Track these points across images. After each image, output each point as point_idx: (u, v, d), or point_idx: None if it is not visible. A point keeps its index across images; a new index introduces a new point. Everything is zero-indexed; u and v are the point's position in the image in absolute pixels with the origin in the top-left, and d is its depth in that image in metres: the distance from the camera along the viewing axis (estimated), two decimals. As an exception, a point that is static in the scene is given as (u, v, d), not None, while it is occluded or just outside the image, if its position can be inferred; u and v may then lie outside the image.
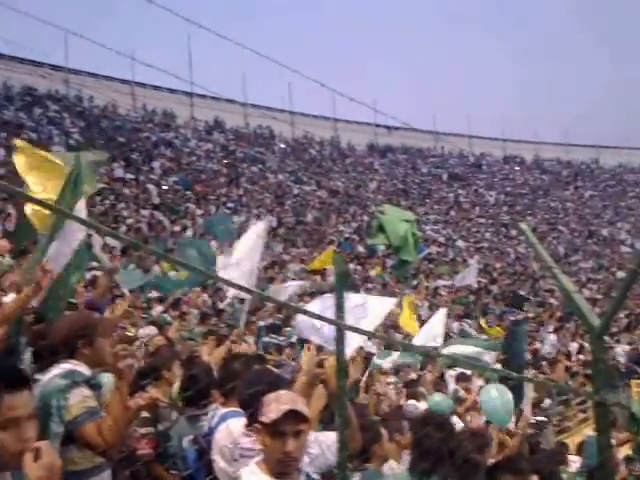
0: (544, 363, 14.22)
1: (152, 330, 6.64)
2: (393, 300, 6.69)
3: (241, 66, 31.97)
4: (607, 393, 2.90)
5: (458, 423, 6.63)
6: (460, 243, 25.89)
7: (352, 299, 5.53)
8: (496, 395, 5.19)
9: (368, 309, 5.34)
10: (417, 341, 7.97)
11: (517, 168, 41.68)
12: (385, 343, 9.39)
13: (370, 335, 5.97)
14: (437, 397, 6.22)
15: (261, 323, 12.80)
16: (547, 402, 11.10)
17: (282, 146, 31.49)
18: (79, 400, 2.68)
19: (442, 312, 8.64)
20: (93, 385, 2.86)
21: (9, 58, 25.39)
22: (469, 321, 16.21)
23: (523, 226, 3.65)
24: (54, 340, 3.04)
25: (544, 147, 45.70)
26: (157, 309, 9.70)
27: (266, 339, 10.41)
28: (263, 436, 2.28)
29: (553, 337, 16.63)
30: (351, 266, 17.93)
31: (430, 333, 8.05)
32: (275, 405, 2.27)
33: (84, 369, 2.88)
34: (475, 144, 42.70)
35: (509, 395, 5.20)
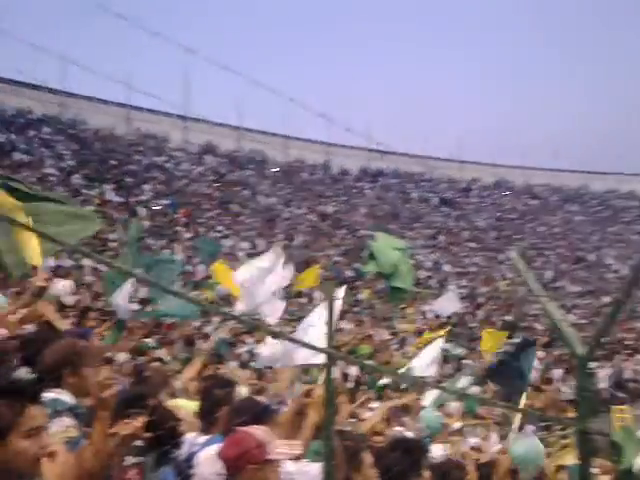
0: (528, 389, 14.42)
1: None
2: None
3: (236, 91, 32.46)
4: (590, 421, 3.06)
5: (440, 450, 6.83)
6: (447, 268, 26.13)
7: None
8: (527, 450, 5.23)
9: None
10: (414, 367, 8.21)
11: (507, 193, 42.13)
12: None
13: (358, 364, 6.14)
14: (428, 412, 6.31)
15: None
16: (529, 428, 11.27)
17: (274, 170, 31.83)
18: (60, 430, 2.65)
19: (439, 342, 8.91)
20: (77, 414, 2.85)
21: (5, 81, 25.73)
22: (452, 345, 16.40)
23: (513, 254, 3.79)
24: (40, 368, 3.02)
25: (534, 172, 46.24)
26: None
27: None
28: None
29: (537, 363, 16.78)
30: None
31: (425, 361, 8.33)
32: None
33: (68, 397, 2.87)
34: (465, 169, 43.19)
35: (540, 448, 5.33)
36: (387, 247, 7.56)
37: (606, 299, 25.84)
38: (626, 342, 21.72)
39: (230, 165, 29.75)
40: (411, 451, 3.30)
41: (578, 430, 3.06)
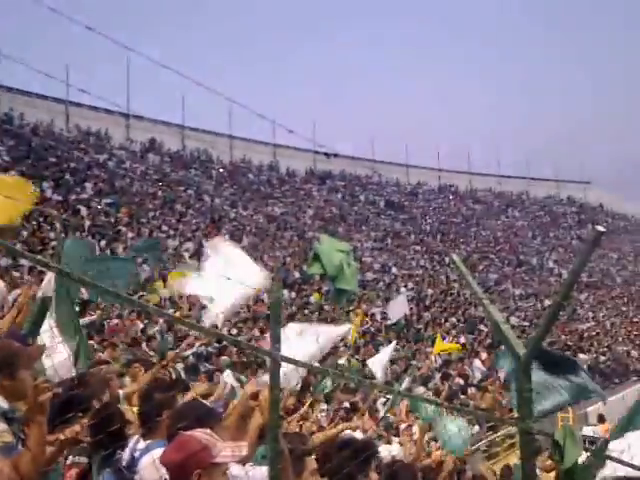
0: (473, 390, 14.52)
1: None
2: (344, 328, 6.80)
3: (180, 90, 31.80)
4: (532, 421, 2.93)
5: (391, 451, 6.70)
6: (394, 270, 26.23)
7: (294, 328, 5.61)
8: (455, 429, 5.51)
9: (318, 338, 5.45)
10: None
11: (451, 197, 42.82)
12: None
13: (307, 367, 5.98)
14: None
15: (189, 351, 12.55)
16: (475, 428, 11.28)
17: (220, 169, 31.30)
18: None
19: (392, 345, 9.03)
20: (11, 418, 2.69)
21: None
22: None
23: (454, 257, 3.69)
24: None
25: (477, 178, 47.22)
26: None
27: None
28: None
29: (479, 364, 16.97)
30: (286, 292, 17.86)
31: (380, 363, 8.42)
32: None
33: (1, 401, 2.72)
34: (411, 173, 43.69)
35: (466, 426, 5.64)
36: (331, 249, 7.45)
37: (548, 301, 26.48)
38: (568, 343, 22.28)
39: (174, 164, 29.07)
40: (359, 451, 3.24)
41: (521, 431, 3.00)
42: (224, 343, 11.66)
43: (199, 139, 32.82)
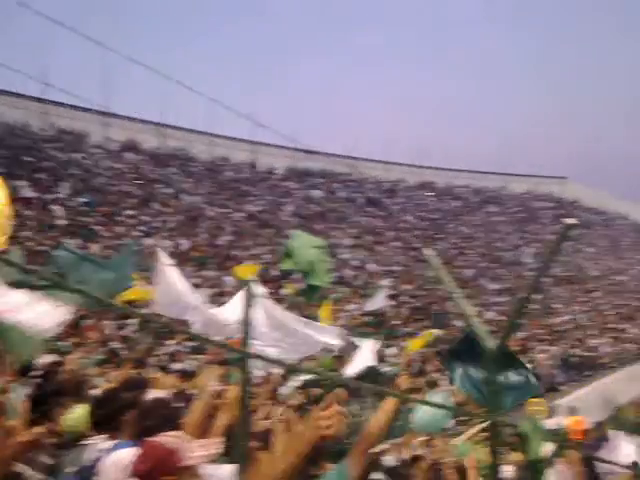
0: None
1: (52, 359, 6.44)
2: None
3: (159, 89, 31.74)
4: (500, 414, 3.01)
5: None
6: (372, 267, 26.45)
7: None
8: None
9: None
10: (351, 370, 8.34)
11: (430, 194, 43.15)
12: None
13: (277, 363, 6.11)
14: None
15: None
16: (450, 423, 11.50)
17: (198, 168, 31.29)
18: None
19: (371, 343, 9.03)
20: None
21: None
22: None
23: (427, 252, 3.77)
24: None
25: (455, 174, 47.61)
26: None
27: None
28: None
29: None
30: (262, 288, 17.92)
31: (361, 362, 8.46)
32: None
33: None
34: (391, 170, 43.96)
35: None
36: (304, 245, 7.55)
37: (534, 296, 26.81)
38: (540, 337, 22.65)
39: (152, 162, 29.01)
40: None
41: (489, 423, 3.11)
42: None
43: (178, 137, 32.78)
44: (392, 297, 23.03)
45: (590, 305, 31.07)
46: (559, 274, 33.51)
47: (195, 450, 2.25)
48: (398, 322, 20.82)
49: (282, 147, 36.30)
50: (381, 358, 15.87)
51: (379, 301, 18.29)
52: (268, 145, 36.40)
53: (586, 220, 47.56)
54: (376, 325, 18.83)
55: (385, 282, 24.67)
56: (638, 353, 26.17)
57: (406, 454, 5.80)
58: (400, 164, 44.77)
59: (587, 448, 7.72)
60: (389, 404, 2.96)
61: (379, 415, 2.95)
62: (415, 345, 15.07)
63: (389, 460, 5.34)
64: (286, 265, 8.39)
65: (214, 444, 2.42)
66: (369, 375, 8.11)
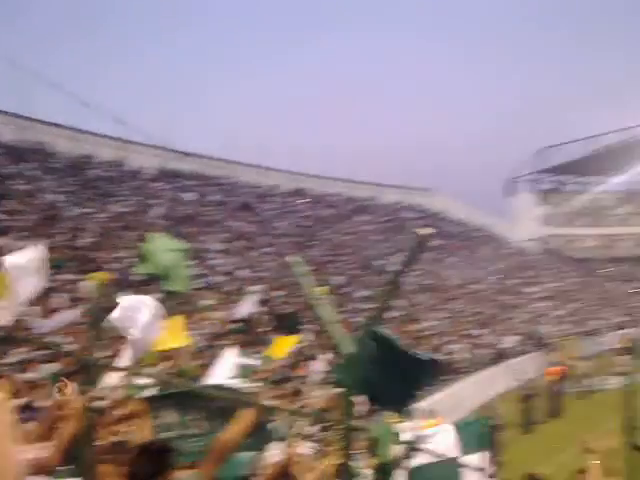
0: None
1: None
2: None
3: (19, 81, 29.51)
4: (354, 418, 3.01)
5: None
6: (243, 273, 26.15)
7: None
8: None
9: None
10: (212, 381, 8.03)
11: (304, 201, 43.58)
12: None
13: (126, 370, 5.74)
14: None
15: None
16: (313, 429, 11.49)
17: (60, 164, 29.40)
18: None
19: (230, 351, 8.80)
20: None
21: None
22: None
23: (292, 259, 3.73)
24: None
25: (329, 182, 48.55)
26: None
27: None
28: None
29: (319, 364, 17.39)
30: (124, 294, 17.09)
31: (221, 372, 8.16)
32: None
33: None
34: (266, 175, 43.92)
35: None
36: (161, 248, 7.19)
37: (394, 303, 27.70)
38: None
39: (8, 157, 26.86)
40: (157, 455, 3.05)
41: (344, 427, 3.11)
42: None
43: (38, 131, 30.65)
44: (262, 303, 22.88)
45: (449, 312, 32.73)
46: (422, 282, 35.06)
47: (25, 453, 2.19)
48: (267, 329, 20.65)
49: (153, 147, 35.10)
50: (244, 367, 15.75)
51: (248, 308, 18.09)
52: (138, 144, 35.04)
53: (448, 231, 50.27)
54: (243, 332, 18.57)
55: (256, 288, 24.45)
56: (492, 358, 27.93)
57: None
58: (275, 169, 44.87)
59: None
60: (245, 416, 2.98)
61: (233, 426, 2.98)
62: (278, 352, 15.00)
63: None
64: (142, 269, 7.96)
65: (48, 447, 2.35)
66: (226, 385, 7.90)
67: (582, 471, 4.55)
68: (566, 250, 66.84)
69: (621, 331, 39.24)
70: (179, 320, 9.34)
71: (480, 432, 5.16)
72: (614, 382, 21.06)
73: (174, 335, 10.18)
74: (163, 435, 5.32)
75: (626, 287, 58.52)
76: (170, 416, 5.32)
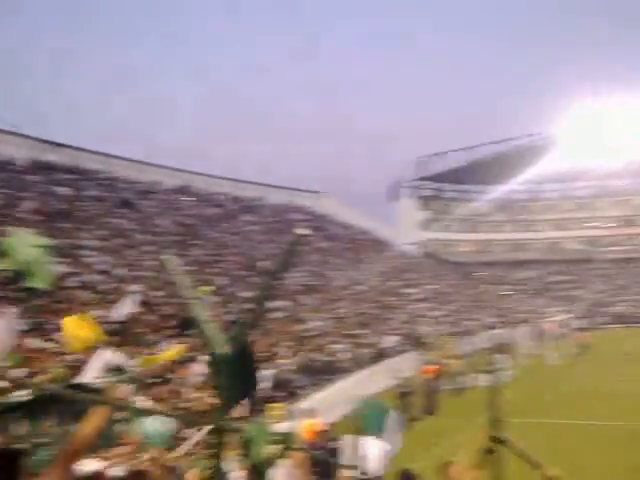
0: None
1: None
2: None
3: None
4: (226, 418, 2.99)
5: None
6: (121, 271, 24.97)
7: None
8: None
9: None
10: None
11: (188, 199, 42.54)
12: None
13: None
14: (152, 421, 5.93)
15: None
16: (190, 431, 11.07)
17: None
18: None
19: (103, 352, 8.36)
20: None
21: None
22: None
23: (165, 258, 3.60)
24: None
25: (215, 181, 47.76)
26: None
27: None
28: None
29: (200, 366, 16.92)
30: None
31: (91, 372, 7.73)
32: None
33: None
34: (148, 171, 42.43)
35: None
36: (22, 244, 6.60)
37: (276, 303, 27.59)
38: (285, 344, 23.38)
39: None
40: (7, 464, 2.88)
41: (213, 427, 3.09)
42: None
43: None
44: (142, 304, 21.94)
45: (333, 313, 33.10)
46: (307, 283, 35.27)
47: None
48: (145, 330, 19.83)
49: (24, 136, 32.78)
50: (114, 367, 14.95)
51: (127, 308, 17.24)
52: (7, 133, 32.58)
53: (335, 233, 51.06)
54: (120, 333, 17.69)
55: (134, 288, 23.43)
56: (373, 357, 28.50)
57: (131, 466, 5.53)
58: (158, 165, 43.49)
59: (318, 449, 7.94)
60: (97, 413, 2.94)
61: (84, 425, 2.93)
62: (166, 357, 14.41)
63: (116, 471, 5.18)
64: (2, 265, 7.25)
65: None
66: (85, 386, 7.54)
67: (448, 464, 4.64)
68: (444, 254, 70.18)
69: (492, 331, 41.65)
70: (84, 318, 8.74)
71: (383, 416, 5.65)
72: (485, 380, 22.12)
73: (86, 332, 9.48)
74: (15, 446, 4.84)
75: (498, 289, 62.38)
76: (20, 428, 4.86)
